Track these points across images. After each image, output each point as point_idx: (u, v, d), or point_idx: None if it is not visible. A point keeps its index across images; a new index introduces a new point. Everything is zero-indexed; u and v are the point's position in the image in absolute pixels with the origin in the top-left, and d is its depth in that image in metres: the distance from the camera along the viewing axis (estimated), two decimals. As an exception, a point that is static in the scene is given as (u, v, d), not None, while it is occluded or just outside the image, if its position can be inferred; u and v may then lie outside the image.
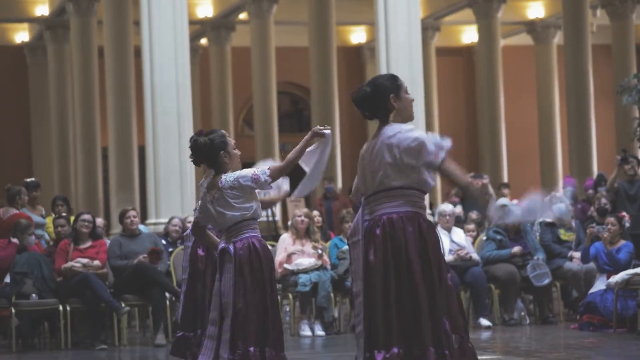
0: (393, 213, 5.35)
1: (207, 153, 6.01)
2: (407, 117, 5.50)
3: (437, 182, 23.11)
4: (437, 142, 5.35)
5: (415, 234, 5.33)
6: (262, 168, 5.97)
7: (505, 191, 18.52)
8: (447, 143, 5.36)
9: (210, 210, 5.96)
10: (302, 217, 11.39)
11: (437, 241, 5.40)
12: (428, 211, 13.72)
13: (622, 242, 11.06)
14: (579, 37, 21.01)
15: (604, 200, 12.50)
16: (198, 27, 23.15)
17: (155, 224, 13.89)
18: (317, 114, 21.11)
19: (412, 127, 5.42)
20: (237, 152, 6.11)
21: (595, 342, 9.76)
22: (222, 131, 6.14)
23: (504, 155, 23.54)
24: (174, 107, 14.05)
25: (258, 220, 6.08)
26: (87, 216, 10.95)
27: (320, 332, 11.10)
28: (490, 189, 16.69)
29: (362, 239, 5.37)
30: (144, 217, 15.32)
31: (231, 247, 5.93)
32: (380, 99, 5.44)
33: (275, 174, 5.93)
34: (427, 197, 5.53)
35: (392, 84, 5.46)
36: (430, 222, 5.47)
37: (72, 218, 11.34)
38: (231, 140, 6.08)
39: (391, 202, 5.37)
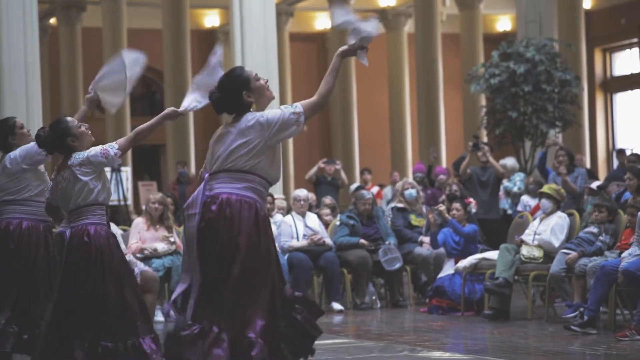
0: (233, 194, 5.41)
1: (53, 143, 6.08)
2: (265, 103, 5.53)
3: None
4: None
5: (252, 220, 5.40)
6: (111, 143, 6.01)
7: (368, 176, 18.77)
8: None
9: (59, 191, 6.01)
10: (157, 205, 11.27)
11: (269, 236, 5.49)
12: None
13: (467, 224, 11.37)
14: (429, 25, 21.47)
15: (454, 187, 12.83)
16: (47, 6, 22.57)
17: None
18: (170, 97, 20.93)
19: (268, 111, 5.46)
20: (84, 129, 6.08)
21: (444, 324, 10.01)
22: (64, 117, 6.15)
23: (356, 142, 23.83)
24: (22, 88, 13.68)
25: (104, 205, 6.07)
26: None
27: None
28: (343, 175, 16.88)
29: (199, 213, 5.42)
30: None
31: (67, 232, 5.93)
32: (233, 97, 5.45)
33: (124, 146, 5.96)
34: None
35: (239, 80, 5.46)
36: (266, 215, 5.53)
37: None
38: (73, 122, 6.05)
39: (234, 184, 5.42)
